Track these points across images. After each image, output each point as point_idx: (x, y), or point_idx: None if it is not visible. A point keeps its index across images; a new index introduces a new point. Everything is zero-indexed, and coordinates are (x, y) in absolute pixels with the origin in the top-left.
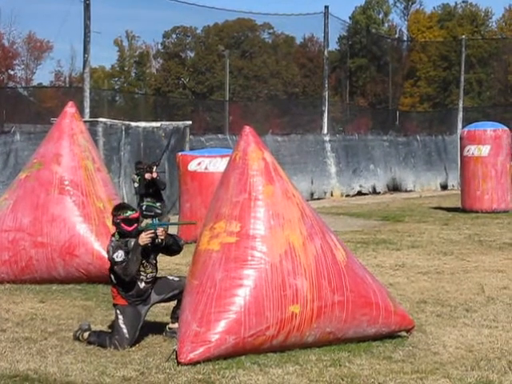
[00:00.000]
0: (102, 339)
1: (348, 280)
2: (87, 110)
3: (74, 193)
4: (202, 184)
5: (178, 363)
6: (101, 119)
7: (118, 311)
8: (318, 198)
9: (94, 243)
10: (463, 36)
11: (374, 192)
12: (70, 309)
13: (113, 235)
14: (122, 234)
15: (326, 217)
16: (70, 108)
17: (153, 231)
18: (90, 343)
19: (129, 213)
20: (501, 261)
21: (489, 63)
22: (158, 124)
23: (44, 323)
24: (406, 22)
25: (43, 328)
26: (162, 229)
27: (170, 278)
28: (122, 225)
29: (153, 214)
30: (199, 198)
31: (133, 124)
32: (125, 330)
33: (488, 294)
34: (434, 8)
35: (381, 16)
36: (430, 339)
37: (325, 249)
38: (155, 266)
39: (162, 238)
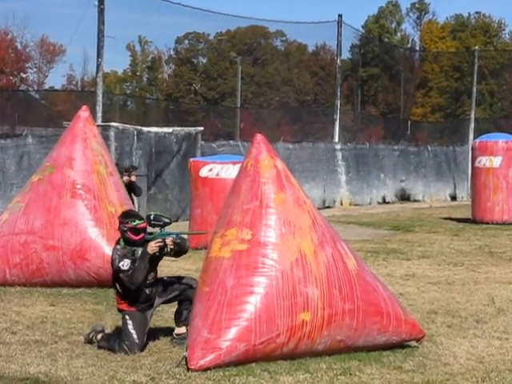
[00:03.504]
0: (111, 345)
1: (359, 288)
2: (99, 115)
3: (86, 197)
4: (214, 190)
5: (188, 369)
6: (113, 124)
7: (127, 316)
8: (329, 207)
9: (105, 247)
10: (476, 47)
11: (384, 201)
12: (80, 312)
13: (117, 242)
14: (128, 242)
15: (336, 225)
16: (84, 112)
17: (162, 240)
18: (100, 348)
19: (137, 222)
20: (511, 272)
21: (501, 74)
22: (169, 129)
23: (54, 326)
24: (418, 32)
25: (54, 331)
26: (170, 238)
27: (169, 279)
28: (129, 233)
29: (161, 223)
30: (210, 204)
31: (144, 129)
32: (135, 336)
33: (498, 305)
34: (446, 18)
35: (393, 25)
36: (441, 350)
37: (336, 257)
38: (156, 269)
39: (171, 247)
